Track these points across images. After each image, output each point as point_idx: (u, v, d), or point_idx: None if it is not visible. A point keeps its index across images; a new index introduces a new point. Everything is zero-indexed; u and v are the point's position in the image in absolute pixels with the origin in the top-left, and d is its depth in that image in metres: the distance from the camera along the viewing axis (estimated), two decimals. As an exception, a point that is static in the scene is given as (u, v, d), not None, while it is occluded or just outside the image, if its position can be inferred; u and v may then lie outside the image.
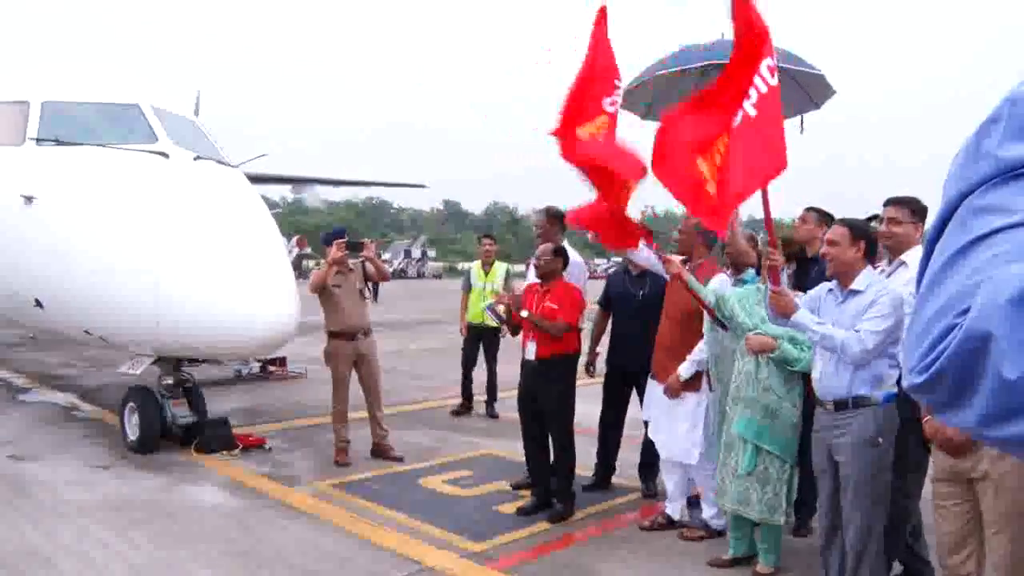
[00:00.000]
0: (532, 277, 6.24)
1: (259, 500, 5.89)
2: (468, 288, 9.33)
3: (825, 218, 5.53)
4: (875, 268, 4.07)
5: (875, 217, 4.51)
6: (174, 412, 7.25)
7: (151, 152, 7.16)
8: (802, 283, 4.98)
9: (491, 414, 9.11)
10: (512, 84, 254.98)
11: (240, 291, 6.29)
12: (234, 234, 6.68)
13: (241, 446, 7.23)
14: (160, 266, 6.30)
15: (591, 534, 5.26)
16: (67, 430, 8.07)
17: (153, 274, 6.28)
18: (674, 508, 5.35)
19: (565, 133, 4.67)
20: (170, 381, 7.30)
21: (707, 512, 5.19)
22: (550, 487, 5.67)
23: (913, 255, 3.97)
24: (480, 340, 9.24)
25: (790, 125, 6.07)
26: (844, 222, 3.93)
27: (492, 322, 7.77)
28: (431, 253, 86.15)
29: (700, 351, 5.07)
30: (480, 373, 9.23)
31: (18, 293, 7.51)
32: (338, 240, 6.93)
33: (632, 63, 5.75)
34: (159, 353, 7.00)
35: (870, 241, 3.84)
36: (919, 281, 0.80)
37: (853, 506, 3.78)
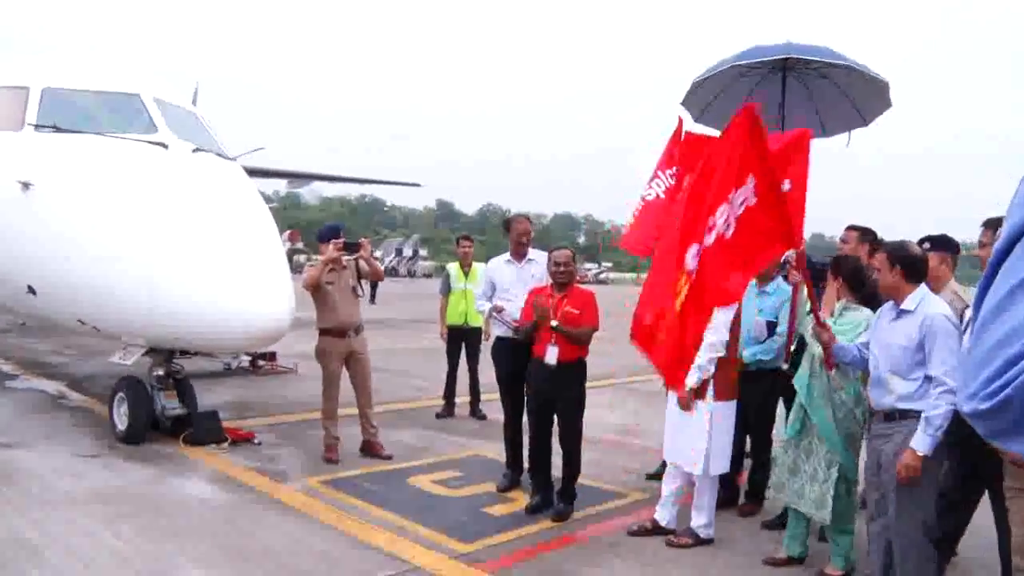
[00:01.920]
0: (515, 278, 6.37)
1: (248, 495, 5.88)
2: (447, 290, 9.27)
3: (868, 235, 5.60)
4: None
5: (925, 240, 4.75)
6: (164, 403, 7.23)
7: (150, 142, 7.15)
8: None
9: (478, 415, 9.11)
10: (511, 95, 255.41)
11: (236, 284, 6.28)
12: (231, 227, 6.67)
13: (230, 440, 7.23)
14: (156, 257, 6.29)
15: (580, 538, 5.27)
16: (56, 418, 8.05)
17: (149, 265, 6.27)
18: (663, 514, 5.36)
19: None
20: (161, 372, 7.28)
21: (697, 520, 5.21)
22: (552, 487, 5.82)
23: None
24: (462, 341, 9.24)
25: (837, 141, 6.22)
26: (883, 248, 4.22)
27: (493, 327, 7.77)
28: (423, 252, 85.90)
29: (701, 358, 5.09)
30: (462, 374, 9.24)
31: (11, 279, 7.48)
32: (335, 240, 6.93)
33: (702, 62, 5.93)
34: (152, 344, 6.98)
35: (908, 263, 4.03)
36: (977, 305, 0.79)
37: (897, 513, 3.96)
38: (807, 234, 5.12)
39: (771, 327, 5.74)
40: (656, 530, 5.31)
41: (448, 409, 9.22)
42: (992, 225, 4.37)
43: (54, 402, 8.93)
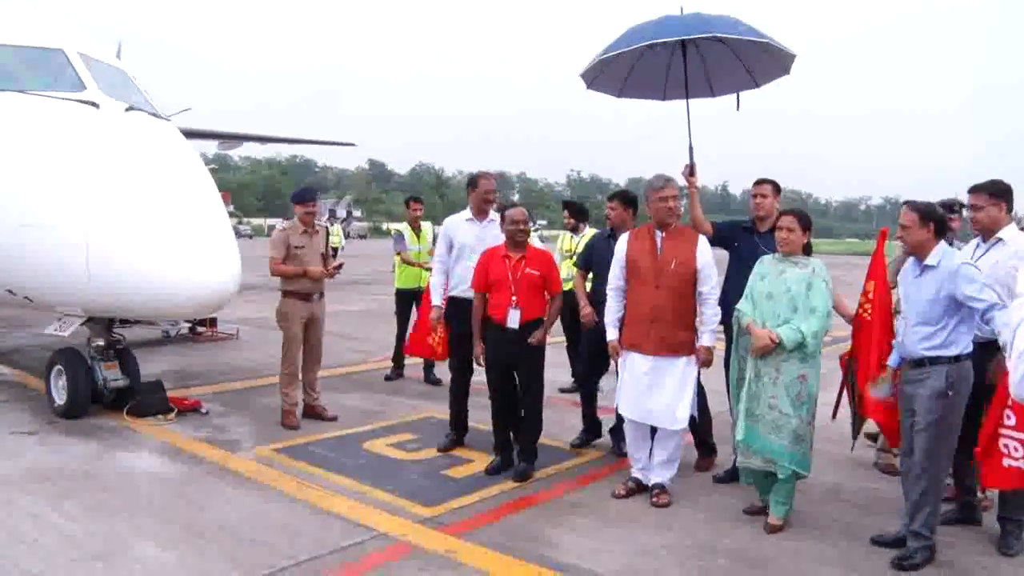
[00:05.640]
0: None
1: (199, 466, 5.71)
2: (404, 249, 9.15)
3: (778, 189, 5.65)
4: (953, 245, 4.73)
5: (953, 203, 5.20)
6: (105, 375, 6.96)
7: (80, 101, 6.75)
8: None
9: (432, 380, 8.99)
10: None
11: (180, 248, 6.01)
12: (172, 189, 6.35)
13: (176, 410, 7.01)
14: (94, 222, 5.96)
15: (542, 498, 5.25)
16: (-15, 394, 7.70)
17: (86, 231, 5.94)
18: (644, 475, 5.41)
19: None
20: (101, 343, 6.99)
21: (670, 473, 5.31)
22: (512, 447, 5.80)
23: (1009, 232, 4.58)
24: (413, 303, 9.11)
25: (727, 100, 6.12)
26: (913, 207, 4.34)
27: None
28: (356, 213, 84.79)
29: (715, 317, 5.20)
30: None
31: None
32: (332, 266, 7.19)
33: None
34: (91, 314, 6.68)
35: (939, 221, 4.30)
36: None
37: (922, 448, 4.30)
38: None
39: None
40: (639, 488, 5.37)
41: (397, 372, 9.12)
42: (974, 191, 4.64)
43: (-18, 377, 8.55)
